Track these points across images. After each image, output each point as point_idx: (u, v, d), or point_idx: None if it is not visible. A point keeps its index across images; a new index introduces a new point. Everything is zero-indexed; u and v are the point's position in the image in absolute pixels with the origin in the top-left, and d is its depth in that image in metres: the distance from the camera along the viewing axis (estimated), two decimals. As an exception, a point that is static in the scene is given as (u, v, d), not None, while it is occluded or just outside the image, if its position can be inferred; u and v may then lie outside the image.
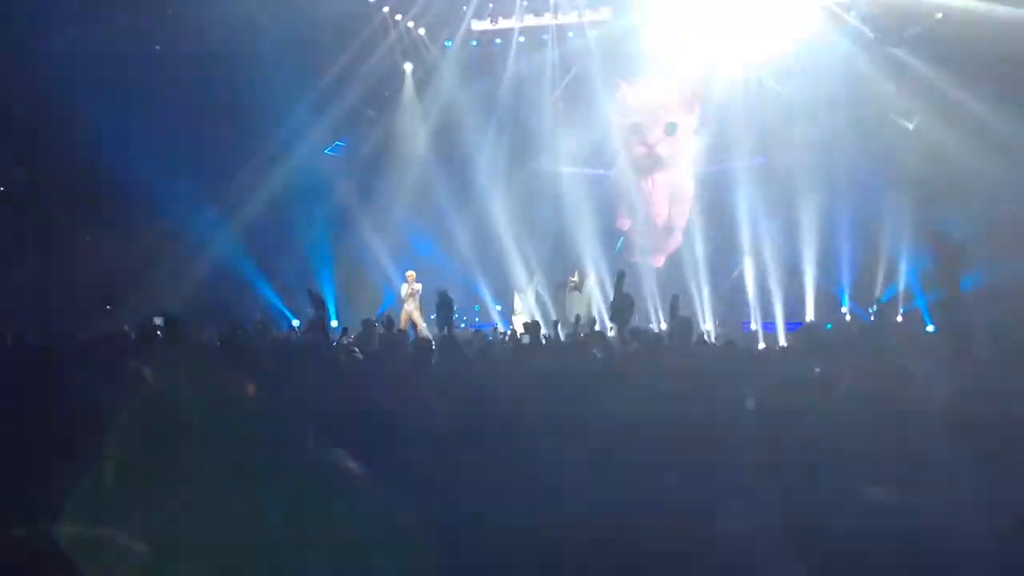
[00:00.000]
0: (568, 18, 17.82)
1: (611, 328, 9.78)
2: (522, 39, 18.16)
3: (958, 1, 14.85)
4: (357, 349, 7.80)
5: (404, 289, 15.61)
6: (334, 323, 15.13)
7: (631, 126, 18.67)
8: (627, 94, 18.48)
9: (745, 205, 17.41)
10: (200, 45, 13.92)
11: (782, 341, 14.76)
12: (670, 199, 18.83)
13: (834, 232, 16.39)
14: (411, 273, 15.83)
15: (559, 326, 12.58)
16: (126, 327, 8.94)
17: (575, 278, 16.95)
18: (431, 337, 11.26)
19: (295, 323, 12.68)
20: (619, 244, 18.52)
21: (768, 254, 17.28)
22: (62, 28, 12.37)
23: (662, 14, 16.99)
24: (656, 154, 18.64)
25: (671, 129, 18.52)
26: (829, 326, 15.45)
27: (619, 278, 5.67)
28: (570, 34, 18.01)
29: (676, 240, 18.75)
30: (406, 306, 15.45)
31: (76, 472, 2.99)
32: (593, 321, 12.40)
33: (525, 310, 16.96)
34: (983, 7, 14.35)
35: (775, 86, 17.17)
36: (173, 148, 14.32)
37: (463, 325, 15.91)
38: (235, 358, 5.79)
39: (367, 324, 8.73)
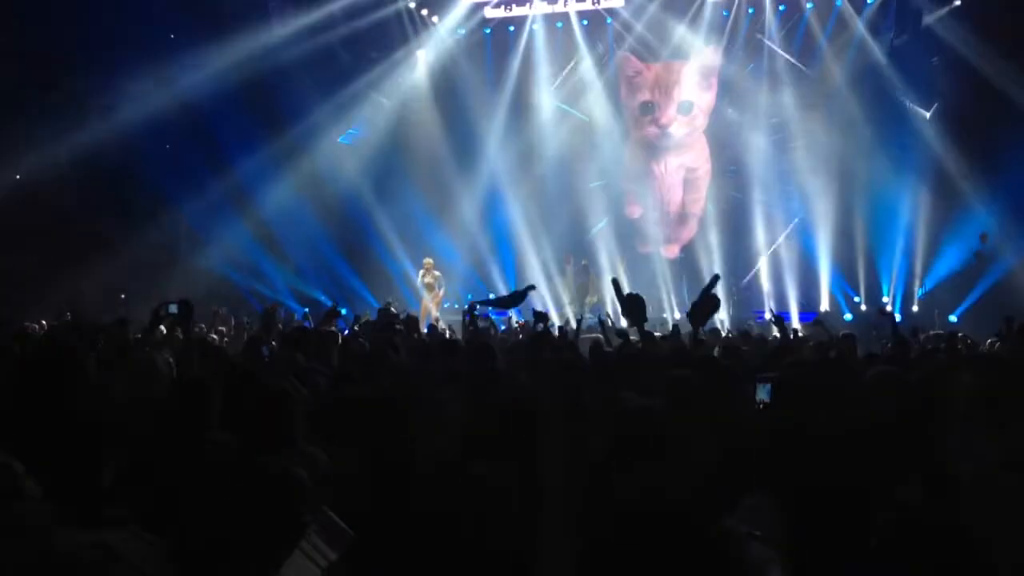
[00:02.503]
0: (582, 5, 17.65)
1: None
2: (536, 27, 18.02)
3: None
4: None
5: (422, 276, 15.46)
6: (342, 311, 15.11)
7: (643, 104, 17.94)
8: (639, 70, 17.84)
9: (760, 192, 17.26)
10: (211, 29, 13.88)
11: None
12: (684, 184, 18.01)
13: (850, 222, 16.21)
14: (428, 260, 15.69)
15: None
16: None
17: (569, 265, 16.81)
18: (447, 328, 11.20)
19: (306, 310, 12.70)
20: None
21: (784, 242, 17.13)
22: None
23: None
24: (669, 135, 17.77)
25: (686, 108, 17.63)
26: (850, 318, 15.35)
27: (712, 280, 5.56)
28: (585, 21, 17.86)
29: (691, 229, 18.02)
30: (425, 296, 15.27)
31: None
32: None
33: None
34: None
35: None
36: (186, 136, 14.34)
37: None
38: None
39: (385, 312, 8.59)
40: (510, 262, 17.91)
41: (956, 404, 3.41)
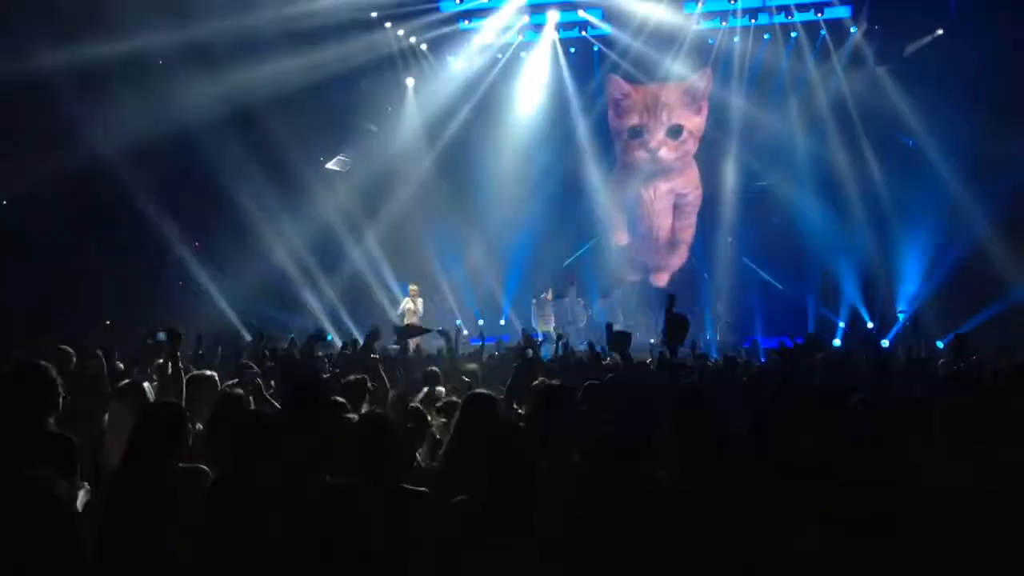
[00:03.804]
0: (569, 32, 17.81)
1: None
2: (523, 55, 18.17)
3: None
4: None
5: (406, 303, 15.45)
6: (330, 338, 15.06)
7: (631, 128, 17.92)
8: (627, 93, 17.87)
9: (748, 217, 17.30)
10: (202, 56, 13.91)
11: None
12: (674, 210, 17.95)
13: (837, 249, 16.29)
14: (414, 287, 15.71)
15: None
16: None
17: (547, 294, 16.70)
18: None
19: (291, 336, 12.65)
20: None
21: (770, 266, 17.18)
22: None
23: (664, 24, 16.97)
24: (659, 159, 17.71)
25: (675, 132, 17.58)
26: (838, 343, 15.38)
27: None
28: (572, 49, 18.03)
29: (681, 256, 17.98)
30: (408, 322, 15.22)
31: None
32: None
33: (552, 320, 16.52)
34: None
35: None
36: (176, 162, 14.33)
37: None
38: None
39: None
40: (510, 287, 17.96)
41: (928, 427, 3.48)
